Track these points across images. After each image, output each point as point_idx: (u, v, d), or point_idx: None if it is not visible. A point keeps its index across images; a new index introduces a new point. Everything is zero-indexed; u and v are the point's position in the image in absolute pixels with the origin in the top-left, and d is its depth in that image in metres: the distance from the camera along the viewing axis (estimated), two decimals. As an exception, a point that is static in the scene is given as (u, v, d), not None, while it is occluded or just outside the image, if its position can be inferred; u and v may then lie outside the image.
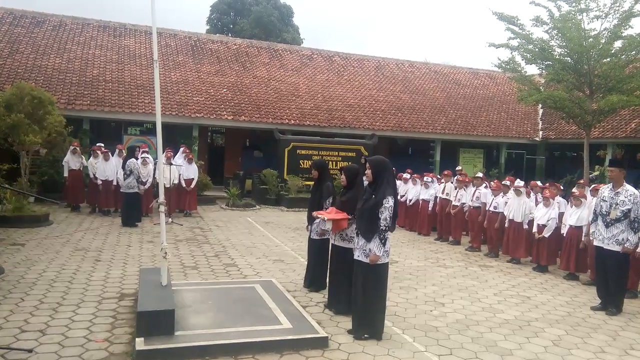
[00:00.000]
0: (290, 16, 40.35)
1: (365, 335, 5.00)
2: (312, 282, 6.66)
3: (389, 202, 4.83)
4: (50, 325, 4.97)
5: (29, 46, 18.46)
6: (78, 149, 13.00)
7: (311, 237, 6.59)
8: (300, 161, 17.28)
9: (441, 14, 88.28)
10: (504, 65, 17.87)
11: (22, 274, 6.79)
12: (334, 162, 17.77)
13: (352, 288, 5.20)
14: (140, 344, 4.35)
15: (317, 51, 25.61)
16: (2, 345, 4.36)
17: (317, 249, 6.51)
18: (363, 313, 5.02)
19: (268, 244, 9.95)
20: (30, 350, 4.34)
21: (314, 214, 6.02)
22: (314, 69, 23.64)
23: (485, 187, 10.53)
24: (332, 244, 5.90)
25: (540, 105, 23.00)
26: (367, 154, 17.36)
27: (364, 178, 5.35)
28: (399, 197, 12.94)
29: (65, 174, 12.90)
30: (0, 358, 4.16)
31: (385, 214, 4.81)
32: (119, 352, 4.46)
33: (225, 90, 19.62)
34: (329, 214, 5.65)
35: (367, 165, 5.07)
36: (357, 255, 5.02)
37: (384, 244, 4.85)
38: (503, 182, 10.18)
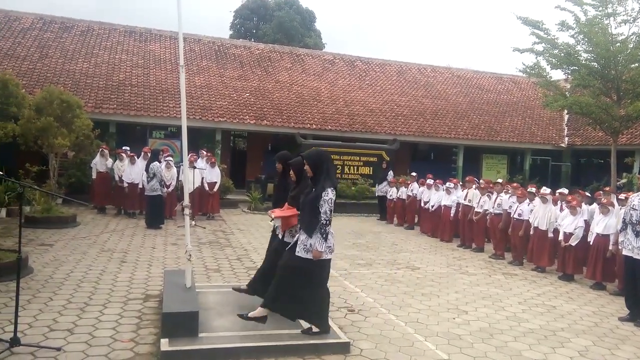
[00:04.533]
0: (313, 21, 40.56)
1: (313, 330, 4.89)
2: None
3: (328, 194, 4.67)
4: (77, 325, 5.08)
5: (57, 51, 18.94)
6: (106, 151, 13.29)
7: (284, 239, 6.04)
8: (322, 166, 17.27)
9: (464, 19, 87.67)
10: (528, 70, 17.62)
11: (50, 273, 6.95)
12: (355, 167, 17.80)
13: (288, 285, 4.84)
14: (165, 344, 4.42)
15: (338, 56, 25.68)
16: (32, 343, 4.47)
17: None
18: (305, 309, 4.86)
19: (289, 248, 9.98)
20: (58, 349, 4.44)
21: (269, 212, 5.64)
22: (335, 74, 23.70)
23: (507, 193, 10.39)
24: (282, 240, 5.38)
25: (566, 111, 22.59)
26: (388, 159, 17.33)
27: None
28: (422, 203, 13.00)
29: (93, 176, 13.20)
30: (30, 356, 4.27)
31: (325, 207, 4.65)
32: (144, 352, 4.53)
33: (247, 94, 19.80)
34: (280, 211, 5.38)
35: (305, 160, 4.89)
36: (298, 251, 4.78)
37: (325, 239, 4.67)
38: (528, 189, 10.05)
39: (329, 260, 4.90)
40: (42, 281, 6.54)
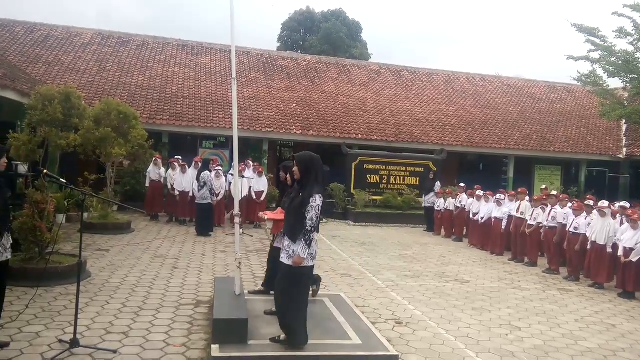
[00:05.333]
0: (359, 32, 40.70)
1: (281, 337, 4.71)
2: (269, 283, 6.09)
3: (315, 200, 4.49)
4: (132, 328, 5.25)
5: (115, 64, 19.83)
6: (159, 160, 13.77)
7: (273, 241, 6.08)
8: (368, 176, 17.27)
9: (514, 27, 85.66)
10: (584, 79, 17.06)
11: (107, 278, 7.23)
12: (401, 177, 17.62)
13: (275, 290, 4.86)
14: (215, 350, 4.50)
15: (385, 66, 25.61)
16: (90, 345, 4.66)
17: (278, 252, 5.77)
18: (282, 316, 4.68)
19: (335, 258, 9.98)
20: (115, 351, 4.60)
21: (261, 214, 5.68)
22: (381, 84, 23.64)
23: (563, 206, 10.01)
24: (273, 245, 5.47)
25: (624, 121, 21.61)
26: (435, 169, 17.07)
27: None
28: (471, 214, 12.70)
29: (147, 185, 13.69)
30: (88, 357, 4.45)
31: (311, 214, 4.48)
32: (195, 357, 4.63)
33: (294, 105, 20.03)
34: (273, 214, 5.35)
35: (294, 161, 4.74)
36: (282, 257, 4.64)
37: (309, 246, 4.49)
38: (585, 202, 9.64)
39: (311, 267, 4.67)
40: (99, 285, 6.81)
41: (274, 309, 5.28)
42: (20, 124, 11.32)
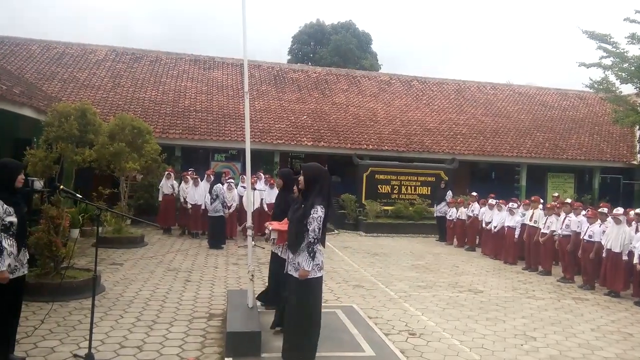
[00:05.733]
0: (369, 43, 40.91)
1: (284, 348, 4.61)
2: (270, 298, 6.08)
3: (317, 212, 4.43)
4: (146, 342, 5.29)
5: (129, 80, 20.15)
6: (172, 174, 13.91)
7: (273, 250, 6.04)
8: (379, 186, 17.25)
9: (525, 35, 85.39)
10: (596, 86, 16.96)
11: (120, 292, 7.30)
12: (412, 187, 17.58)
13: (285, 304, 4.81)
14: (229, 363, 4.52)
15: (395, 76, 25.68)
16: (105, 359, 4.70)
17: (278, 263, 5.70)
18: (293, 333, 4.58)
19: (347, 269, 9.97)
20: (129, 365, 4.64)
21: (267, 224, 5.65)
22: (392, 94, 23.69)
23: (578, 214, 9.92)
24: (279, 256, 5.50)
25: (638, 127, 21.38)
26: (447, 178, 17.02)
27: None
28: (483, 223, 12.62)
29: (160, 199, 13.82)
30: (103, 371, 4.49)
31: (313, 225, 4.41)
32: (208, 370, 4.65)
33: (305, 117, 20.15)
34: (278, 225, 5.33)
35: (301, 171, 4.70)
36: (289, 269, 4.61)
37: (313, 258, 4.43)
38: (600, 210, 9.54)
39: (319, 279, 4.59)
40: (113, 299, 6.88)
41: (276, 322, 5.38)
42: (36, 140, 11.52)
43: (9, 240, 4.39)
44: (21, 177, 4.62)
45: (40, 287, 6.59)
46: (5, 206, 4.38)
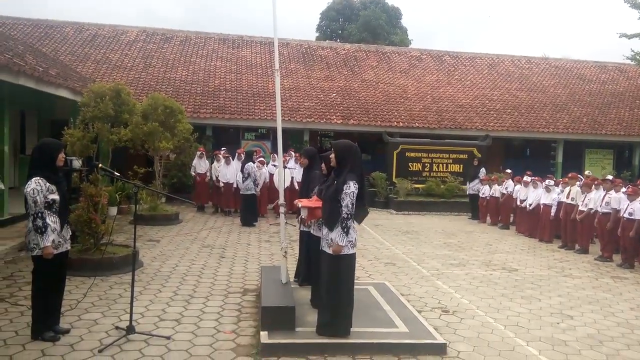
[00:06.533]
0: (399, 18, 40.09)
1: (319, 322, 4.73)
2: (307, 277, 5.98)
3: (350, 187, 4.46)
4: (184, 316, 5.44)
5: (159, 60, 20.35)
6: (204, 153, 14.10)
7: (300, 229, 6.08)
8: (409, 164, 17.08)
9: (561, 5, 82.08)
10: (638, 57, 16.19)
11: (158, 267, 7.50)
12: (444, 165, 17.34)
13: (319, 280, 4.86)
14: (264, 337, 4.61)
15: (425, 51, 25.15)
16: (145, 331, 4.86)
17: (309, 242, 5.74)
18: (327, 308, 4.69)
19: (379, 247, 9.97)
20: (168, 337, 4.78)
21: (296, 202, 5.60)
22: (422, 70, 23.25)
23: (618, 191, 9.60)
24: (310, 234, 5.50)
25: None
26: (480, 155, 16.69)
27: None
28: (518, 201, 12.38)
29: (194, 176, 14.06)
30: (143, 343, 4.64)
31: (346, 201, 4.46)
32: (245, 343, 4.75)
33: (334, 94, 20.00)
34: (308, 202, 5.33)
35: (332, 148, 4.73)
36: (322, 246, 4.71)
37: (347, 233, 4.50)
38: (640, 186, 9.22)
39: (352, 255, 4.65)
40: (152, 274, 7.07)
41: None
42: (73, 120, 11.81)
43: (52, 217, 4.55)
44: (62, 155, 4.74)
45: (82, 263, 6.82)
46: (47, 184, 4.52)
